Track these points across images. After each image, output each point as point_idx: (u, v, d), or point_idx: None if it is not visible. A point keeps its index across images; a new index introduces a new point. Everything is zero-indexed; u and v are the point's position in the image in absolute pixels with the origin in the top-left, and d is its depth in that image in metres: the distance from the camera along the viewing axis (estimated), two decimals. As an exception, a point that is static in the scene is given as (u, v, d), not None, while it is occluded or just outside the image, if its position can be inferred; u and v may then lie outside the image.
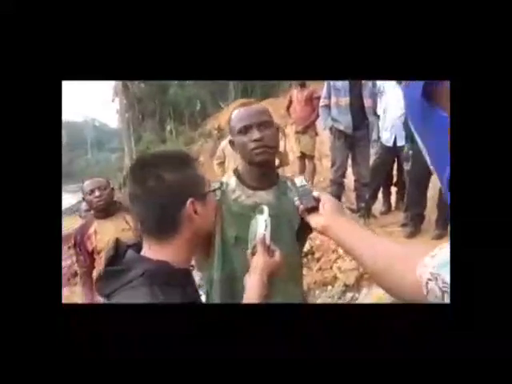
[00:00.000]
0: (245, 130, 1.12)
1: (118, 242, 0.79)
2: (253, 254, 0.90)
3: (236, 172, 1.23)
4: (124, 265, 0.73)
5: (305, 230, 1.27)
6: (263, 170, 1.17)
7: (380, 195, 3.98)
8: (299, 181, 0.93)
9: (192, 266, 0.86)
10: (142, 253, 0.77)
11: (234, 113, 1.18)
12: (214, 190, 0.87)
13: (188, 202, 0.74)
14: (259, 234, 0.91)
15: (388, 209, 3.99)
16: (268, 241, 0.91)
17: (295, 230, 1.18)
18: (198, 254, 1.26)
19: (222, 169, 3.43)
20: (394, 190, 3.91)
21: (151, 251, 0.75)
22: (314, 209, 0.83)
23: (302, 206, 0.86)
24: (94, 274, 1.92)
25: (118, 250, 0.77)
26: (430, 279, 0.53)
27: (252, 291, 0.84)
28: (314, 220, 0.83)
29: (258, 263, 0.87)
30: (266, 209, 0.95)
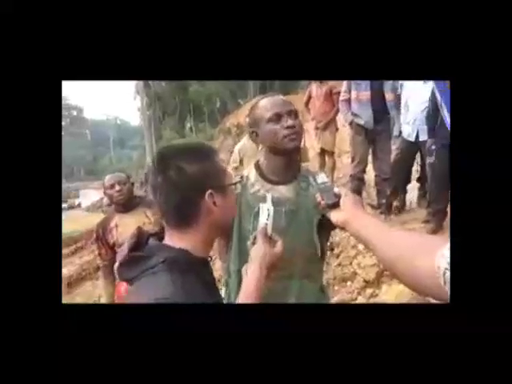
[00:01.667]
0: (276, 117, 1.13)
1: (140, 230, 0.81)
2: (253, 243, 0.89)
3: (257, 165, 1.24)
4: (146, 252, 0.75)
5: (327, 225, 1.27)
6: (288, 159, 1.18)
7: (401, 191, 3.90)
8: (321, 177, 0.93)
9: (210, 256, 0.87)
10: (164, 242, 0.79)
11: (261, 102, 1.18)
12: (235, 184, 0.86)
13: (207, 193, 0.75)
14: (261, 224, 0.90)
15: (403, 206, 3.90)
16: (270, 230, 0.91)
17: (315, 226, 1.18)
18: (220, 245, 1.28)
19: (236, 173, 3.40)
20: (416, 185, 3.82)
21: (172, 240, 0.77)
22: (334, 205, 0.85)
23: (323, 203, 0.87)
24: (116, 266, 1.96)
25: (141, 238, 0.79)
26: (447, 269, 0.52)
27: (249, 281, 0.83)
28: (334, 216, 0.84)
29: (258, 253, 0.86)
30: (269, 197, 0.95)
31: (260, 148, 1.27)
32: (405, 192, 3.87)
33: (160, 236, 0.80)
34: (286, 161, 1.18)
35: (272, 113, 1.13)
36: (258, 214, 0.96)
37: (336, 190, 0.88)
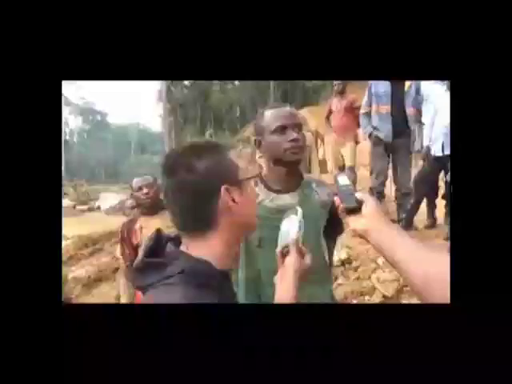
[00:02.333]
0: (281, 129, 1.14)
1: (159, 232, 0.76)
2: (284, 254, 0.88)
3: (260, 176, 1.25)
4: (164, 258, 0.71)
5: (333, 230, 1.27)
6: (290, 171, 1.19)
7: (424, 208, 3.82)
8: (342, 179, 0.86)
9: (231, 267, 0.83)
10: (182, 248, 0.74)
11: (267, 113, 1.19)
12: (252, 178, 0.80)
13: (222, 189, 0.70)
14: (293, 235, 0.89)
15: (433, 223, 3.81)
16: (301, 243, 0.90)
17: (321, 233, 1.19)
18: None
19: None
20: (442, 202, 3.74)
21: (190, 248, 0.72)
22: (354, 210, 0.78)
23: (341, 206, 0.80)
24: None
25: (159, 242, 0.75)
26: None
27: (286, 292, 0.81)
28: (354, 222, 0.77)
29: (291, 264, 0.84)
30: (300, 210, 0.93)
31: (258, 156, 1.30)
32: (433, 208, 3.78)
33: (178, 241, 0.76)
34: (288, 171, 1.19)
35: (277, 124, 1.14)
36: (287, 224, 0.94)
37: (358, 194, 0.81)
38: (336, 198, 0.83)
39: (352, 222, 0.78)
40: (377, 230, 0.72)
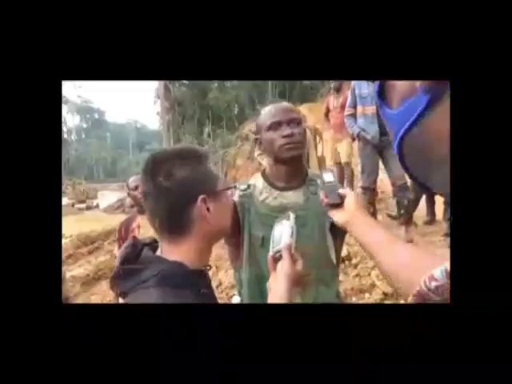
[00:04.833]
0: (275, 126, 1.11)
1: (135, 239, 0.79)
2: (277, 259, 0.87)
3: (263, 173, 1.23)
4: (140, 264, 0.74)
5: (341, 228, 1.25)
6: (291, 168, 1.16)
7: (423, 204, 3.83)
8: (328, 176, 0.95)
9: (209, 265, 0.83)
10: (158, 252, 0.77)
11: (265, 109, 1.17)
12: (228, 189, 0.83)
13: (200, 197, 0.74)
14: (285, 240, 0.88)
15: (432, 219, 3.83)
16: (293, 249, 0.89)
17: (327, 230, 1.16)
18: (231, 253, 1.27)
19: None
20: (441, 199, 3.75)
21: (166, 251, 0.76)
22: (338, 205, 0.87)
23: (326, 201, 0.89)
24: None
25: (135, 249, 0.77)
26: (430, 289, 0.56)
27: (278, 297, 0.81)
28: (336, 216, 0.87)
29: (284, 270, 0.84)
30: (292, 216, 0.92)
31: (257, 154, 1.29)
32: (433, 204, 3.79)
33: (154, 246, 0.79)
34: (289, 169, 1.16)
35: (272, 121, 1.11)
36: (279, 228, 0.93)
37: (341, 190, 0.89)
38: (321, 193, 0.92)
39: (334, 216, 0.88)
40: (356, 224, 0.81)
